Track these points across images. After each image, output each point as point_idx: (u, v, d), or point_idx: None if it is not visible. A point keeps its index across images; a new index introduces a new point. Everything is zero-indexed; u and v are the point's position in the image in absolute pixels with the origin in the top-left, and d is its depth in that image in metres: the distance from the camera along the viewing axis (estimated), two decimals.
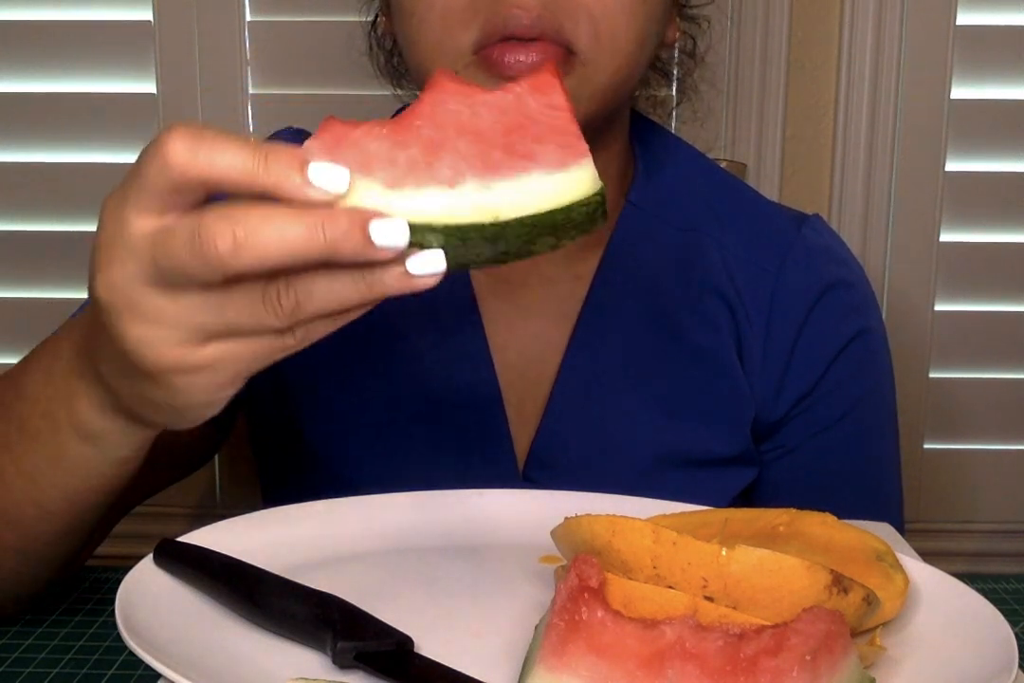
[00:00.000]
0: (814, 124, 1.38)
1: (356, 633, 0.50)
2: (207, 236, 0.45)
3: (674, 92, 1.01)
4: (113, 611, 0.52)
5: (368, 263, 0.46)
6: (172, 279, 0.47)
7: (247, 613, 0.54)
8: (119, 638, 0.49)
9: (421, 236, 0.47)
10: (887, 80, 1.35)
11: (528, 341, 0.82)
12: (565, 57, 0.72)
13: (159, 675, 0.48)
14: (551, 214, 0.48)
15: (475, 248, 0.48)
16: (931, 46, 1.34)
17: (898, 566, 0.57)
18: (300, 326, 0.49)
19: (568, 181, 0.48)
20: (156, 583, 0.57)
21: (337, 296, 0.47)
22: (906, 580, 0.56)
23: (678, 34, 0.85)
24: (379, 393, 0.81)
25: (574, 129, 0.49)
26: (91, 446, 0.60)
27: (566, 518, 0.55)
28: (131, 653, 0.49)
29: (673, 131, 0.97)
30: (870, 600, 0.51)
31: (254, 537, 0.63)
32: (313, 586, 0.55)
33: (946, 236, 1.39)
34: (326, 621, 0.51)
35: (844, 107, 1.36)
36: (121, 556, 0.73)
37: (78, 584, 0.77)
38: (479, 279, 0.82)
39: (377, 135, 0.48)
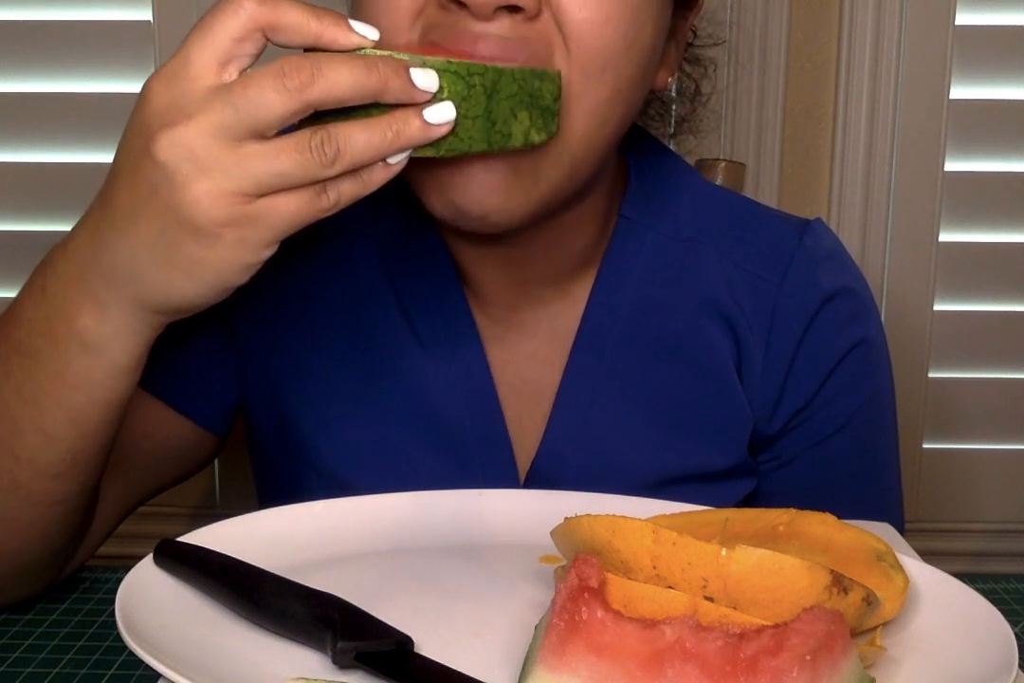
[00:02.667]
0: (814, 124, 1.38)
1: (356, 633, 0.50)
2: (290, 69, 0.54)
3: (671, 128, 0.96)
4: (113, 611, 0.52)
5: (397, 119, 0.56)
6: (240, 124, 0.55)
7: (247, 613, 0.54)
8: (119, 638, 0.50)
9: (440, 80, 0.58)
10: (887, 80, 1.35)
11: (525, 360, 0.81)
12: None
13: (159, 675, 0.48)
14: (533, 76, 0.61)
15: (475, 104, 0.58)
16: (930, 46, 1.34)
17: (898, 566, 0.57)
18: (333, 187, 0.57)
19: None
20: (156, 583, 0.57)
21: (369, 144, 0.56)
22: (906, 580, 0.56)
23: (670, 79, 0.78)
24: (379, 410, 0.80)
25: None
26: (92, 355, 0.63)
27: (566, 518, 0.55)
28: (131, 653, 0.49)
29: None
30: (870, 600, 0.51)
31: (254, 537, 0.63)
32: (313, 586, 0.55)
33: (945, 236, 1.39)
34: (326, 621, 0.51)
35: (844, 107, 1.36)
36: (121, 556, 0.73)
37: (78, 584, 0.78)
38: (472, 302, 0.81)
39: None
